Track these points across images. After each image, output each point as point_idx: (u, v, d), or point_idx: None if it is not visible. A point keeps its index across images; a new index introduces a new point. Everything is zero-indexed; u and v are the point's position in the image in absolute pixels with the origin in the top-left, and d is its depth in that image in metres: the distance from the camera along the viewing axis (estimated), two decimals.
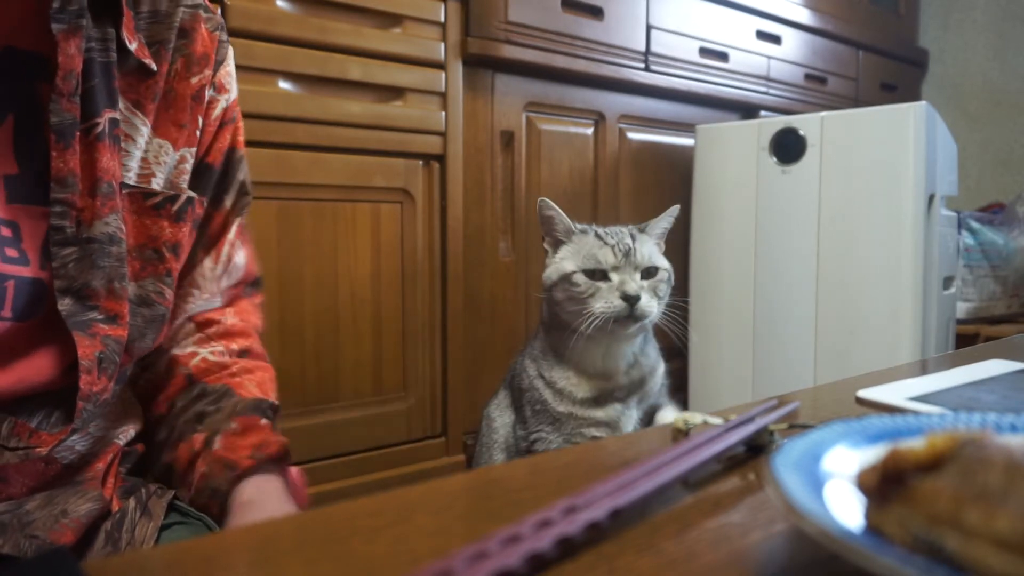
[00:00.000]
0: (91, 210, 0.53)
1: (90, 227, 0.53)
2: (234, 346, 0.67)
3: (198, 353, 0.66)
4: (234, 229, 0.69)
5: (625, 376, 0.94)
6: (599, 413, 0.92)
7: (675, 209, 0.99)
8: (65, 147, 0.51)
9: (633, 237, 0.93)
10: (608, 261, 0.89)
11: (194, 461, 0.60)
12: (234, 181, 0.69)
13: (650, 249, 0.93)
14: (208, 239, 0.67)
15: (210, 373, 0.65)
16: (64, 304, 0.52)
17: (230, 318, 0.68)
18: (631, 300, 0.87)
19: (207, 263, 0.68)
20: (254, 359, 0.68)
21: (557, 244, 0.96)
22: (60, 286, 0.52)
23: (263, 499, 0.56)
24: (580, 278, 0.90)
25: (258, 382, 0.66)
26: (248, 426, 0.61)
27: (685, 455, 0.35)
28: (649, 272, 0.91)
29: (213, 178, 0.66)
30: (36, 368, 0.52)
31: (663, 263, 0.93)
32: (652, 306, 0.89)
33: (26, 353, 0.52)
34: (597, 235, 0.93)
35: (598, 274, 0.89)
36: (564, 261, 0.93)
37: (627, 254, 0.90)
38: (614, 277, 0.89)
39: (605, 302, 0.88)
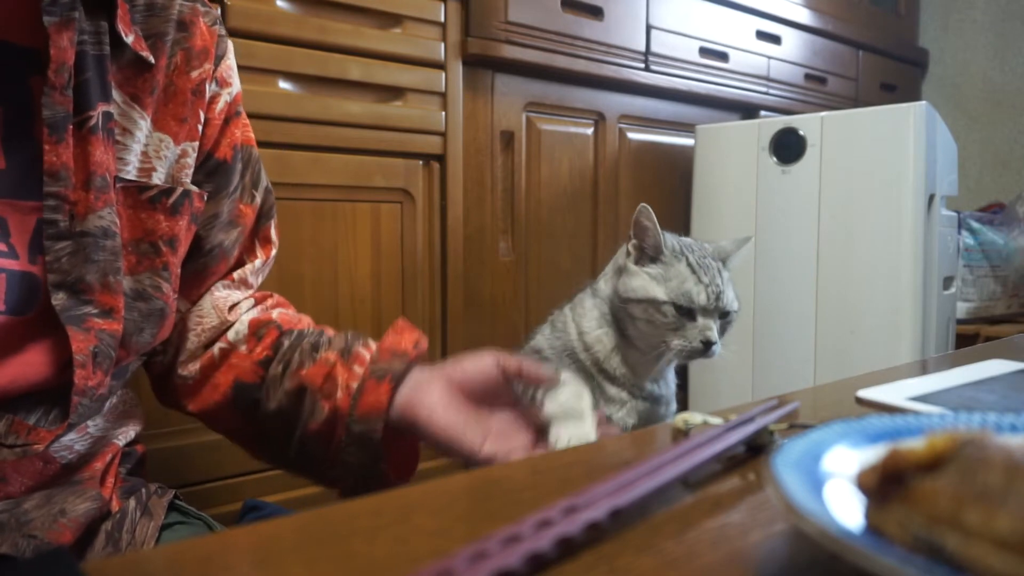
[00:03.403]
0: (84, 204, 0.52)
1: (83, 221, 0.52)
2: (289, 308, 0.75)
3: (272, 313, 0.71)
4: (274, 230, 0.74)
5: (649, 383, 0.94)
6: (610, 388, 0.92)
7: (750, 242, 0.98)
8: (58, 140, 0.51)
9: (720, 273, 0.91)
10: (699, 302, 0.88)
11: (332, 371, 0.65)
12: (260, 179, 0.71)
13: (732, 291, 0.92)
14: (249, 238, 0.71)
15: (293, 323, 0.71)
16: (58, 299, 0.51)
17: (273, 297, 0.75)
18: (709, 345, 0.87)
19: (258, 262, 0.72)
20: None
21: (643, 256, 0.93)
22: (54, 280, 0.51)
23: (440, 373, 0.65)
24: (669, 310, 0.88)
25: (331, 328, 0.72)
26: (403, 327, 0.69)
27: (685, 455, 0.35)
28: (725, 315, 0.91)
29: (231, 173, 0.66)
30: (31, 365, 0.51)
31: (736, 306, 0.93)
32: (721, 350, 0.89)
33: (21, 349, 0.51)
34: (690, 266, 0.90)
35: (685, 311, 0.88)
36: (653, 284, 0.89)
37: (718, 297, 0.88)
38: (700, 319, 0.88)
39: (685, 341, 0.87)
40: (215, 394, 0.67)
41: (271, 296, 0.75)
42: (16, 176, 0.51)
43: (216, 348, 0.67)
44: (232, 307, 0.69)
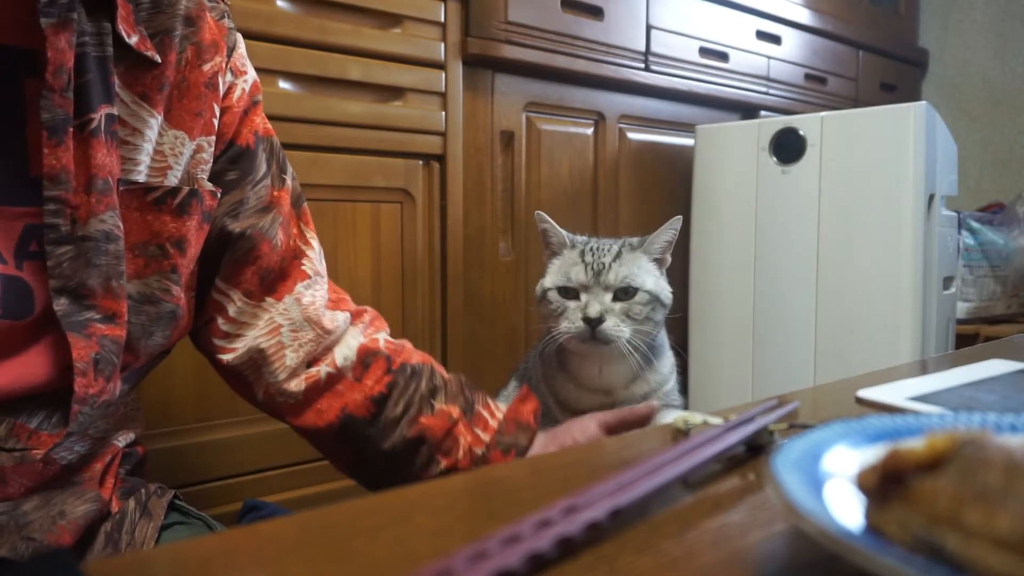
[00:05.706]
0: (86, 207, 0.52)
1: (85, 225, 0.52)
2: (386, 328, 0.76)
3: (378, 339, 0.72)
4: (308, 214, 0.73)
5: (626, 391, 0.90)
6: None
7: (676, 221, 0.93)
8: (58, 143, 0.50)
9: (618, 255, 0.88)
10: (579, 280, 0.87)
11: (453, 429, 0.70)
12: (286, 165, 0.70)
13: (630, 269, 0.88)
14: (295, 224, 0.70)
15: (399, 353, 0.72)
16: (60, 304, 0.51)
17: (352, 304, 0.75)
18: (592, 323, 0.84)
19: (315, 246, 0.72)
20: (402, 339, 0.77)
21: (552, 257, 0.94)
22: (55, 286, 0.51)
23: (554, 442, 0.73)
24: (553, 295, 0.88)
25: (434, 361, 0.76)
26: (525, 396, 0.75)
27: (685, 455, 0.35)
28: (624, 292, 0.87)
29: (254, 159, 0.66)
30: (32, 368, 0.51)
31: (644, 283, 0.88)
32: (619, 330, 0.85)
33: (21, 352, 0.51)
34: (582, 252, 0.90)
35: (570, 292, 0.87)
36: (548, 276, 0.91)
37: (598, 273, 0.86)
38: (582, 297, 0.87)
39: (569, 322, 0.86)
40: (319, 420, 0.68)
41: (366, 311, 0.75)
42: (4, 181, 0.50)
43: (323, 371, 0.68)
44: (324, 315, 0.68)
